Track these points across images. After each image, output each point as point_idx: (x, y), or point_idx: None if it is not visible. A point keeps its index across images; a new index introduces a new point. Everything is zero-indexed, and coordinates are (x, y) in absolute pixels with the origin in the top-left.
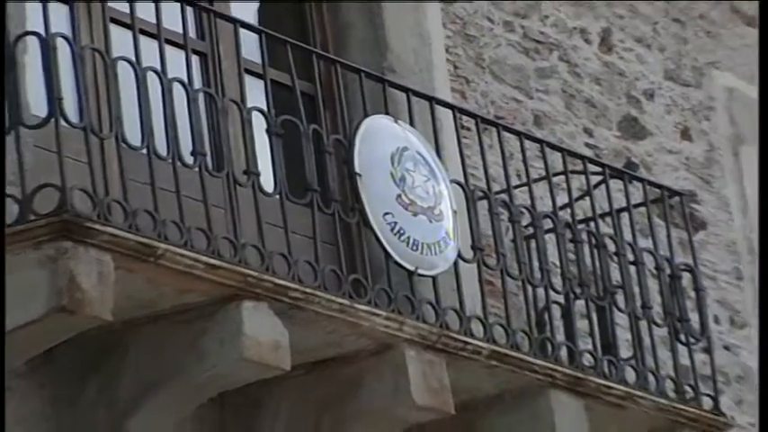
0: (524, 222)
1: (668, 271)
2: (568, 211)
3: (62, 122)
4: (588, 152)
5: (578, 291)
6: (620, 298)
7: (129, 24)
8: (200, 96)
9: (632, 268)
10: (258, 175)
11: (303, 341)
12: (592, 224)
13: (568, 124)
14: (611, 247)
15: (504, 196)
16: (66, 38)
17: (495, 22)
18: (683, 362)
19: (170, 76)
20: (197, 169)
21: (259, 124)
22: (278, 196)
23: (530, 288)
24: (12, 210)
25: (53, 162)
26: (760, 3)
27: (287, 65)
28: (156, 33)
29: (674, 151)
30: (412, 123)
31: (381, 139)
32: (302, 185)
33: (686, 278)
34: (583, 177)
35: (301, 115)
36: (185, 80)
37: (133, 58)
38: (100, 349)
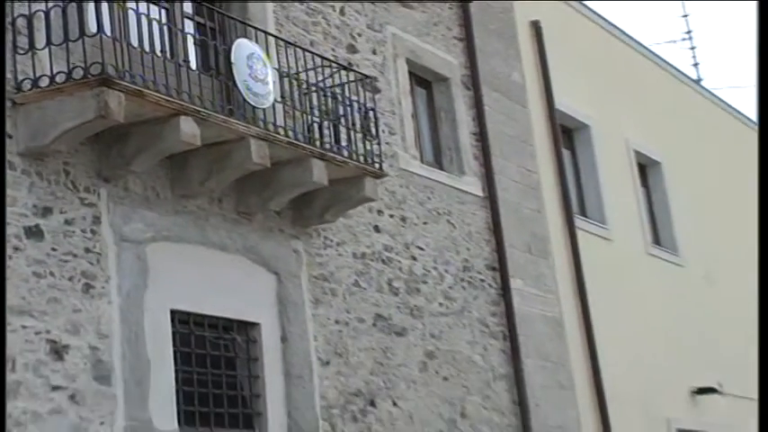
0: (303, 87)
1: (364, 110)
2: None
3: (104, 35)
4: (333, 58)
5: (324, 117)
6: (343, 120)
7: None
8: (165, 27)
9: (348, 108)
10: (189, 61)
11: (206, 134)
12: (333, 90)
13: (325, 46)
14: (341, 99)
15: (290, 76)
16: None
17: None
18: (369, 148)
19: (152, 16)
20: (163, 58)
21: (191, 40)
22: (198, 72)
23: (305, 116)
24: (79, 73)
25: (98, 52)
26: (759, 3)
27: (204, 14)
28: None
29: (369, 59)
30: (257, 42)
31: (243, 49)
32: (209, 67)
33: (371, 113)
34: (329, 69)
35: (209, 37)
36: (158, 19)
37: (135, 7)
38: (118, 136)
